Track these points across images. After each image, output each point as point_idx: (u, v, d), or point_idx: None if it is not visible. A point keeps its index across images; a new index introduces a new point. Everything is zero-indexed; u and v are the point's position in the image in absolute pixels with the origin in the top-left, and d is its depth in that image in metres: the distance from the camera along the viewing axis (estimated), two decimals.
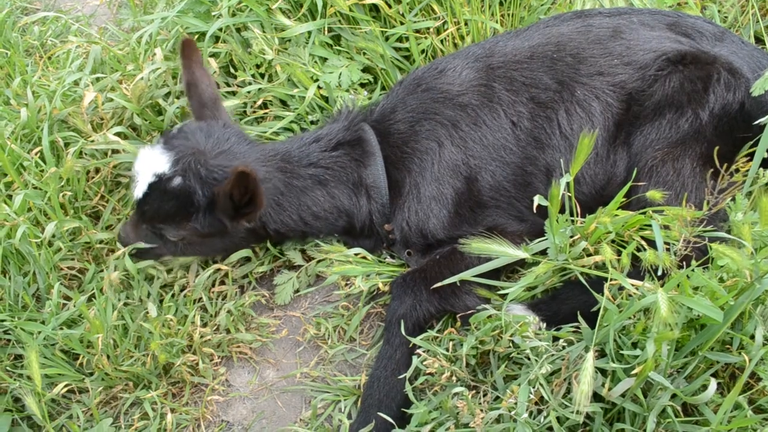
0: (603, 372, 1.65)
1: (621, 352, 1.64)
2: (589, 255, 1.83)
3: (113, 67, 2.79)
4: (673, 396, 1.60)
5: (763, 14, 2.85)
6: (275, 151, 2.25)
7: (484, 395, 1.84)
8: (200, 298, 2.29)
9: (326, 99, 2.64)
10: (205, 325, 2.23)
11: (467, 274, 1.88)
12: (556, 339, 1.79)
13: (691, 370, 1.64)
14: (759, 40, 2.81)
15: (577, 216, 1.86)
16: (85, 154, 2.57)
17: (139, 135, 2.62)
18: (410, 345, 2.01)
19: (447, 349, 1.90)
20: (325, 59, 2.66)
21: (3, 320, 2.16)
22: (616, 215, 1.80)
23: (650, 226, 1.74)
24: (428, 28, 2.66)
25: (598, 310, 1.68)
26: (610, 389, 1.60)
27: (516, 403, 1.64)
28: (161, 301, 2.26)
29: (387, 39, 2.67)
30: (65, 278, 2.39)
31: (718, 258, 1.65)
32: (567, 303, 1.95)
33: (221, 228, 2.13)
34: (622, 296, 1.72)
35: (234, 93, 2.68)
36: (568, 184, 1.73)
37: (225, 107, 2.39)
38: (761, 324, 1.60)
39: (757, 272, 1.57)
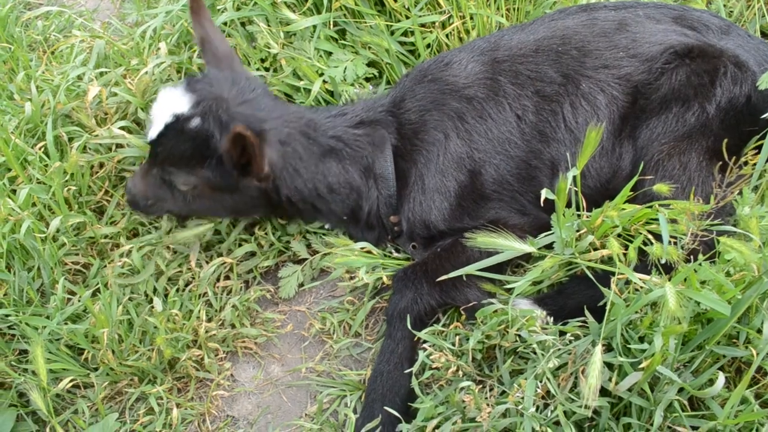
0: (610, 366, 1.64)
1: (628, 346, 1.64)
2: (595, 249, 1.83)
3: (117, 62, 2.78)
4: (680, 390, 1.60)
5: None
6: (300, 115, 2.23)
7: (490, 390, 1.84)
8: (205, 293, 2.29)
9: (331, 93, 2.63)
10: (210, 319, 2.23)
11: (471, 269, 1.88)
12: (562, 333, 1.78)
13: (698, 364, 1.64)
14: (765, 34, 2.80)
15: (583, 210, 1.85)
16: (89, 148, 2.56)
17: (143, 129, 2.61)
18: (413, 339, 2.01)
19: (453, 344, 1.90)
20: (330, 53, 2.65)
21: (8, 315, 2.16)
22: (623, 209, 1.80)
23: (657, 219, 1.73)
24: (433, 23, 2.65)
25: (605, 304, 1.68)
26: (617, 383, 1.60)
27: (523, 398, 1.63)
28: (166, 296, 2.26)
29: (392, 33, 2.66)
30: (69, 273, 2.39)
31: (726, 252, 1.65)
32: (573, 297, 1.94)
33: (232, 183, 2.09)
34: (628, 290, 1.72)
35: None
36: (574, 177, 1.73)
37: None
38: None
39: (766, 266, 1.56)
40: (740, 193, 1.84)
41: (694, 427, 1.58)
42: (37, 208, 2.39)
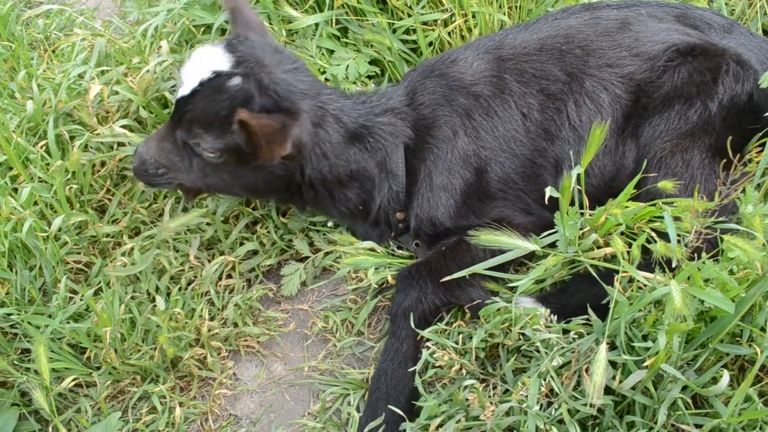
0: (613, 364, 1.64)
1: (632, 344, 1.64)
2: (599, 247, 1.83)
3: (118, 60, 2.78)
4: (684, 388, 1.59)
5: None
6: (334, 96, 2.16)
7: (494, 388, 1.84)
8: (207, 292, 2.29)
9: None
10: (212, 318, 2.23)
11: (476, 268, 1.88)
12: (566, 331, 1.78)
13: (702, 362, 1.64)
14: (766, 32, 2.80)
15: (586, 208, 1.85)
16: (91, 147, 2.56)
17: (145, 128, 2.61)
18: (417, 337, 2.01)
19: (456, 342, 1.90)
20: (333, 51, 2.65)
21: (10, 314, 2.16)
22: (627, 207, 1.80)
23: (660, 217, 1.73)
24: (436, 21, 2.65)
25: (608, 302, 1.68)
26: (620, 382, 1.60)
27: (527, 396, 1.63)
28: (168, 295, 2.26)
29: (394, 31, 2.65)
30: (71, 272, 2.39)
31: (729, 250, 1.65)
32: (576, 295, 1.94)
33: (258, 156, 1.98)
34: (632, 288, 1.72)
35: None
36: (578, 175, 1.73)
37: None
38: None
39: None
40: (743, 190, 1.84)
41: (697, 425, 1.58)
42: (38, 206, 2.39)
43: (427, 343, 1.91)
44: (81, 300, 2.19)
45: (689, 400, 1.61)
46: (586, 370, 1.63)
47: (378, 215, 2.27)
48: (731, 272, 1.69)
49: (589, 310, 1.72)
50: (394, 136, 2.20)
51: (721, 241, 1.64)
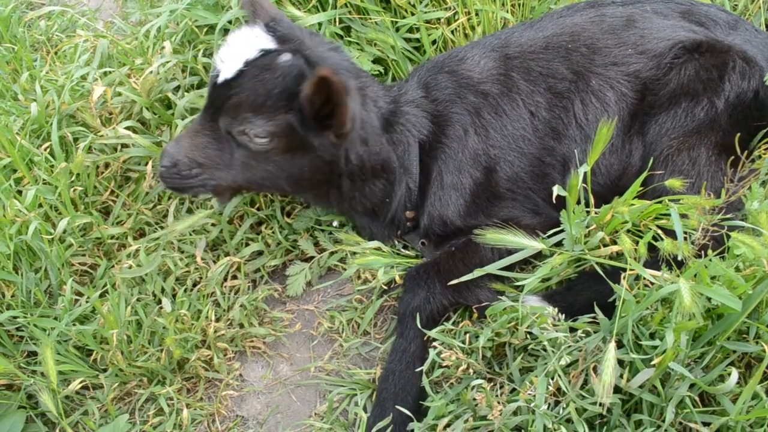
0: (621, 363, 1.64)
1: (639, 342, 1.64)
2: (605, 245, 1.83)
3: (121, 61, 2.78)
4: (691, 386, 1.59)
5: None
6: (371, 80, 2.12)
7: (501, 387, 1.84)
8: (213, 293, 2.29)
9: None
10: (218, 319, 2.23)
11: (486, 270, 1.87)
12: (572, 330, 1.78)
13: (709, 359, 1.64)
14: None
15: (592, 207, 1.85)
16: (95, 149, 2.56)
17: (149, 129, 2.61)
18: (424, 338, 2.00)
19: (463, 342, 1.90)
20: None
21: (16, 317, 2.16)
22: (633, 204, 1.80)
23: (667, 215, 1.73)
24: (439, 19, 2.65)
25: (614, 300, 1.68)
26: (628, 380, 1.60)
27: (534, 395, 1.63)
28: (174, 296, 2.26)
29: (397, 30, 2.65)
30: (76, 274, 2.39)
31: (735, 247, 1.65)
32: (583, 294, 1.94)
33: (312, 136, 1.89)
34: (638, 286, 1.71)
35: None
36: (585, 174, 1.72)
37: None
38: None
39: None
40: (749, 188, 1.84)
41: (705, 423, 1.58)
42: (43, 209, 2.39)
43: (434, 343, 1.91)
44: (87, 302, 2.19)
45: (697, 398, 1.61)
46: (594, 369, 1.64)
47: (395, 213, 2.23)
48: (738, 269, 1.69)
49: (596, 309, 1.72)
50: (417, 128, 2.16)
51: (728, 238, 1.63)
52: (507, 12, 2.70)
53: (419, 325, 1.99)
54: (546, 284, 2.07)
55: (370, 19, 2.62)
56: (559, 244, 1.87)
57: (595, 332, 1.73)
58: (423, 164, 2.19)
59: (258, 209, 2.46)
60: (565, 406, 1.64)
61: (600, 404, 1.57)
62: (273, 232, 2.43)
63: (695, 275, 1.57)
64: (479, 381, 1.76)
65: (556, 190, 1.75)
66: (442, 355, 1.85)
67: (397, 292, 2.28)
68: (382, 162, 2.11)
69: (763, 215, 1.70)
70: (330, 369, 2.17)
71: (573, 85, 2.15)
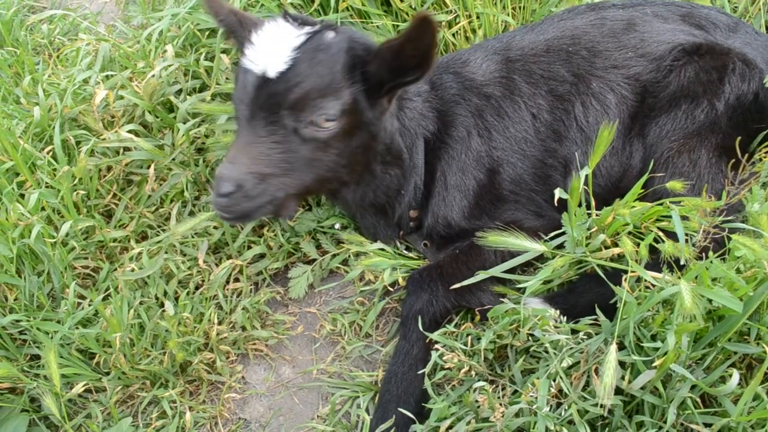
0: (622, 364, 1.65)
1: (640, 344, 1.64)
2: (606, 247, 1.83)
3: (123, 65, 2.78)
4: (692, 387, 1.60)
5: None
6: None
7: (503, 389, 1.85)
8: (215, 296, 2.29)
9: None
10: (221, 322, 2.23)
11: (490, 273, 1.87)
12: (574, 332, 1.79)
13: (710, 361, 1.64)
14: None
15: (593, 209, 1.86)
16: (97, 152, 2.57)
17: (151, 132, 2.62)
18: (427, 340, 2.01)
19: (465, 344, 1.90)
20: None
21: (19, 320, 2.16)
22: (634, 207, 1.80)
23: (668, 217, 1.73)
24: (440, 22, 2.66)
25: (616, 302, 1.68)
26: (630, 382, 1.60)
27: (536, 397, 1.64)
28: (177, 299, 2.26)
29: (399, 33, 2.66)
30: (79, 277, 2.39)
31: (736, 249, 1.65)
32: (584, 296, 1.95)
33: (365, 111, 1.85)
34: (639, 288, 1.72)
35: None
36: (587, 177, 1.73)
37: None
38: None
39: None
40: (750, 190, 1.84)
41: (707, 425, 1.59)
42: (46, 212, 2.39)
43: (436, 345, 1.92)
44: (90, 305, 2.20)
45: (698, 400, 1.61)
46: (596, 371, 1.64)
47: (402, 211, 2.22)
48: (738, 271, 1.70)
49: (598, 312, 1.73)
50: (423, 122, 2.14)
51: (729, 240, 1.64)
52: (508, 15, 2.71)
53: (422, 328, 2.00)
54: (547, 286, 2.08)
55: (372, 22, 2.63)
56: (560, 246, 1.87)
57: (596, 334, 1.74)
58: (427, 163, 2.19)
59: None
60: (566, 407, 1.64)
61: (601, 406, 1.58)
62: (275, 235, 2.43)
63: (696, 277, 1.58)
64: (481, 383, 1.77)
65: (558, 192, 1.75)
66: (444, 358, 1.85)
67: (399, 294, 2.29)
68: (399, 147, 2.07)
69: (763, 217, 1.71)
70: (332, 371, 2.17)
71: (574, 87, 2.16)
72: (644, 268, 1.65)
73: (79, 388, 2.04)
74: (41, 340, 2.08)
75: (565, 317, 1.83)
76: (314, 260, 2.38)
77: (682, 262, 1.66)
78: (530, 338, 1.83)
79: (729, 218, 1.74)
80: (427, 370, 1.89)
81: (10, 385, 2.10)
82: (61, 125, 2.55)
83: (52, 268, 2.28)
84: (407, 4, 2.63)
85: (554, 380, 1.66)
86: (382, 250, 2.28)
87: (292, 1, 2.58)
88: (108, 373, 2.14)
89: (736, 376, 1.53)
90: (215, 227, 2.41)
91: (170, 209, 2.47)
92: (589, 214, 1.86)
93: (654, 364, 1.56)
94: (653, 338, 1.64)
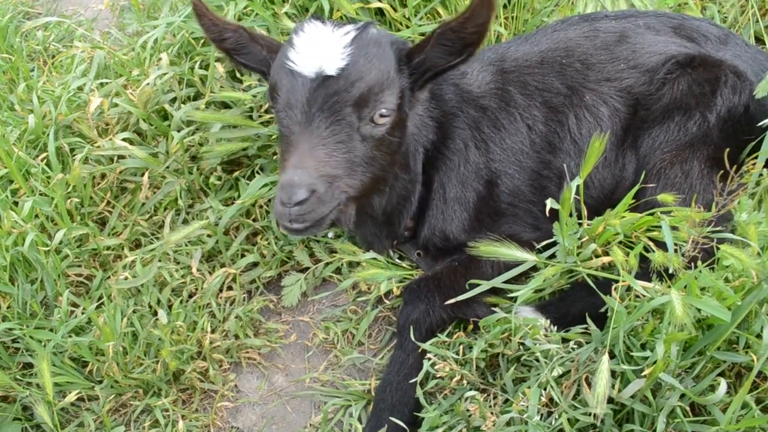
0: (612, 373, 1.66)
1: (630, 353, 1.65)
2: (597, 257, 1.85)
3: (118, 72, 2.79)
4: (682, 396, 1.61)
5: (762, 14, 2.87)
6: None
7: (494, 398, 1.85)
8: (209, 304, 2.30)
9: None
10: (214, 330, 2.24)
11: (481, 288, 1.88)
12: (565, 340, 1.80)
13: (699, 369, 1.66)
14: (759, 40, 2.83)
15: (585, 219, 1.87)
16: (91, 160, 2.57)
17: (145, 140, 2.63)
18: (419, 350, 2.02)
19: (457, 353, 1.91)
20: None
21: (12, 328, 2.16)
22: (624, 217, 1.82)
23: (658, 227, 1.75)
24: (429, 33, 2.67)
25: (606, 310, 1.70)
26: (620, 390, 1.62)
27: (527, 406, 1.65)
28: (170, 307, 2.27)
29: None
30: (72, 285, 2.40)
31: (724, 258, 1.67)
32: (576, 304, 1.96)
33: (405, 105, 1.87)
34: (629, 297, 1.74)
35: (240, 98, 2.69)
36: (578, 187, 1.75)
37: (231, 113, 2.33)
38: None
39: (764, 272, 1.58)
40: (739, 201, 1.86)
41: None
42: (39, 220, 2.40)
43: (428, 354, 1.93)
44: (83, 313, 2.20)
45: (687, 408, 1.63)
46: (586, 380, 1.65)
47: (405, 220, 2.20)
48: (727, 280, 1.71)
49: (589, 321, 1.74)
50: (424, 130, 2.13)
51: (717, 249, 1.66)
52: (500, 26, 2.73)
53: (418, 338, 2.01)
54: (539, 295, 2.09)
55: None
56: (553, 256, 1.89)
57: (587, 343, 1.75)
58: (424, 173, 2.20)
59: (254, 220, 2.48)
60: (557, 416, 1.65)
61: (592, 415, 1.59)
62: (268, 243, 2.44)
63: (685, 286, 1.59)
64: (473, 392, 1.78)
65: (550, 203, 1.77)
66: (436, 367, 1.86)
67: (392, 303, 2.30)
68: (408, 151, 2.07)
69: (751, 227, 1.73)
70: (325, 380, 2.18)
71: (567, 99, 2.18)
72: (635, 278, 1.66)
73: (71, 397, 2.04)
74: (34, 348, 2.08)
75: (557, 326, 1.85)
76: (307, 269, 2.39)
77: (670, 271, 1.67)
78: (521, 347, 1.85)
79: (718, 228, 1.76)
80: (418, 378, 1.90)
81: (2, 393, 2.11)
82: (56, 132, 2.56)
83: (46, 276, 2.28)
84: (401, 14, 2.64)
85: (545, 389, 1.67)
86: (375, 259, 2.29)
87: (287, 11, 2.59)
88: (101, 382, 2.14)
89: (723, 385, 1.55)
90: (209, 235, 2.42)
91: (164, 217, 2.48)
92: (581, 224, 1.88)
93: (644, 373, 1.58)
94: (643, 347, 1.66)
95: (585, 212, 1.86)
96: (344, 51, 1.73)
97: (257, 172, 2.53)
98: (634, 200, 1.83)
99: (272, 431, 2.11)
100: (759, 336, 1.62)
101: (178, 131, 2.51)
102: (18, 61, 3.14)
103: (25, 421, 2.09)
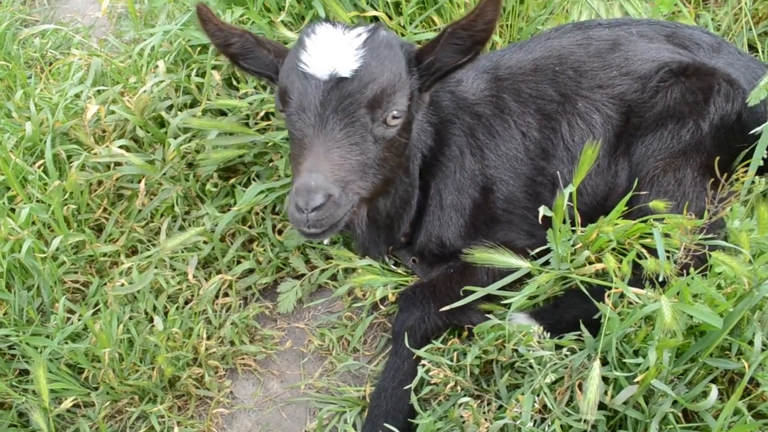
0: (605, 380, 1.67)
1: (623, 360, 1.66)
2: (591, 263, 1.86)
3: (115, 79, 2.81)
4: (674, 402, 1.62)
5: (756, 22, 2.89)
6: None
7: (488, 404, 1.86)
8: (204, 311, 2.30)
9: None
10: (209, 337, 2.24)
11: (476, 295, 1.89)
12: (558, 347, 1.81)
13: (692, 376, 1.67)
14: (752, 47, 2.85)
15: (578, 226, 1.89)
16: (88, 167, 2.58)
17: (142, 147, 2.64)
18: (413, 357, 2.02)
19: (451, 359, 1.92)
20: None
21: (8, 335, 2.17)
22: (617, 224, 1.83)
23: (651, 234, 1.76)
24: (429, 40, 2.69)
25: (599, 317, 1.71)
26: (612, 397, 1.62)
27: (520, 413, 1.66)
28: (166, 314, 2.27)
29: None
30: (69, 291, 2.40)
31: (716, 265, 1.68)
32: (569, 311, 1.97)
33: (412, 107, 1.89)
34: (622, 304, 1.75)
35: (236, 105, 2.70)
36: (571, 194, 1.76)
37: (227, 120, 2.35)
38: (760, 330, 1.63)
39: (756, 279, 1.59)
40: (731, 208, 1.87)
41: None
42: (36, 227, 2.40)
43: (423, 361, 1.93)
44: (79, 320, 2.20)
45: (680, 414, 1.64)
46: (579, 386, 1.66)
47: (404, 225, 2.20)
48: (719, 287, 1.72)
49: (582, 327, 1.75)
50: (423, 136, 2.14)
51: (709, 257, 1.67)
52: (495, 34, 2.75)
53: (413, 344, 2.01)
54: (533, 301, 2.10)
55: None
56: (547, 263, 1.90)
57: (580, 350, 1.76)
58: (421, 179, 2.20)
59: (250, 227, 2.49)
60: (550, 423, 1.66)
61: (585, 421, 1.60)
62: (264, 250, 2.45)
63: (678, 293, 1.60)
64: (466, 399, 1.78)
65: (542, 210, 1.78)
66: (430, 373, 1.87)
67: (387, 309, 2.31)
68: (409, 155, 2.08)
69: (743, 234, 1.74)
70: (320, 386, 2.19)
71: (561, 107, 2.19)
72: (627, 285, 1.67)
73: (67, 404, 2.04)
74: (30, 354, 2.09)
75: (550, 332, 1.86)
76: (303, 275, 2.40)
77: (660, 278, 1.68)
78: (515, 354, 1.85)
79: (710, 235, 1.77)
80: (412, 385, 1.90)
81: None
82: (53, 140, 2.57)
83: (42, 283, 2.29)
84: (396, 22, 2.66)
85: (538, 395, 1.68)
86: (370, 266, 2.30)
87: (283, 19, 2.61)
88: (97, 388, 2.15)
89: (714, 391, 1.56)
90: (205, 242, 2.43)
91: (160, 224, 2.49)
92: (574, 231, 1.89)
93: (636, 380, 1.59)
94: (636, 354, 1.67)
95: (578, 219, 1.87)
96: (357, 53, 1.74)
97: (253, 179, 2.54)
98: (627, 207, 1.84)
99: None
100: (751, 343, 1.63)
101: (175, 138, 2.53)
102: (15, 68, 3.16)
103: (21, 428, 2.10)
